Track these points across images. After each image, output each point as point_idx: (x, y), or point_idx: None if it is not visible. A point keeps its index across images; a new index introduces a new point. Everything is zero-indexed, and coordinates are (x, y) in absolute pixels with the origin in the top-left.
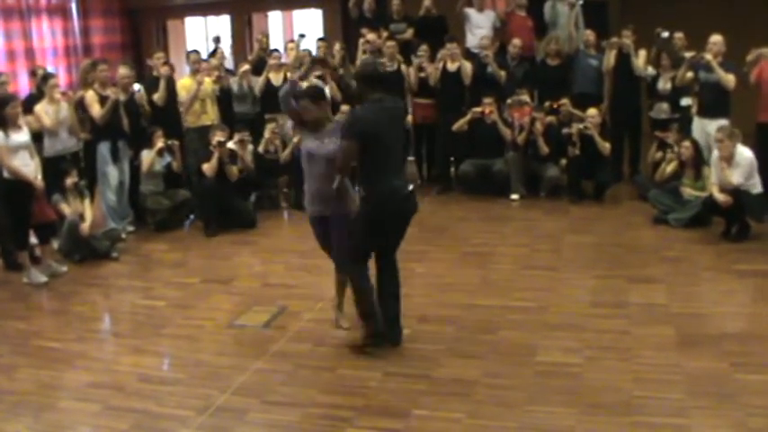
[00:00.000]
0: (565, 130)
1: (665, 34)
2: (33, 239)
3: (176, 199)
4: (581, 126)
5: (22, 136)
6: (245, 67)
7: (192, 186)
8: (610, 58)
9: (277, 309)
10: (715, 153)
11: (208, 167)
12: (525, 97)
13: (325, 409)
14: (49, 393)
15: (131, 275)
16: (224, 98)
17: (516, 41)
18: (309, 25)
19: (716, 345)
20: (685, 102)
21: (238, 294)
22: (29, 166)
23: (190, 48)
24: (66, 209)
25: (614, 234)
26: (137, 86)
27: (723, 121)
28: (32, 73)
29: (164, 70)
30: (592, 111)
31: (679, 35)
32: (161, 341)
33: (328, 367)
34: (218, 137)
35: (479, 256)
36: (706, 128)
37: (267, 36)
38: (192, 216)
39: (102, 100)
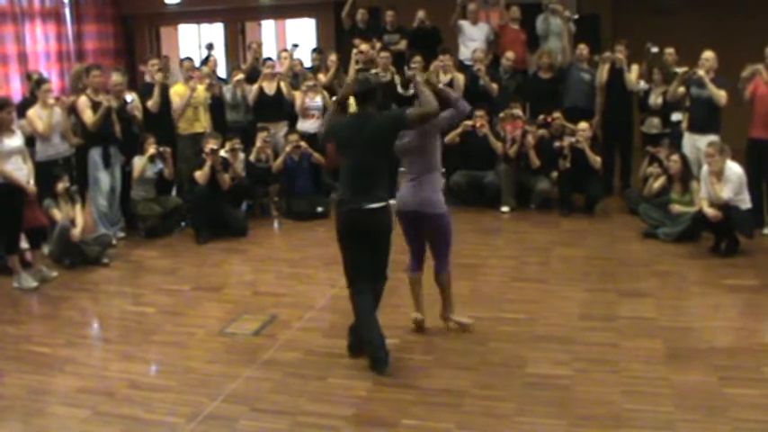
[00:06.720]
0: (556, 144)
1: (655, 49)
2: (24, 244)
3: (167, 206)
4: (572, 139)
5: (15, 140)
6: (240, 75)
7: (184, 193)
8: (603, 73)
9: (267, 317)
10: (705, 168)
11: (200, 175)
12: (517, 111)
13: (315, 418)
14: (38, 398)
15: (122, 281)
16: (216, 106)
17: (509, 54)
18: (303, 34)
19: (704, 358)
20: (676, 117)
21: (229, 302)
22: (21, 171)
23: (183, 55)
24: (58, 214)
25: (604, 247)
26: (129, 97)
27: (714, 137)
28: (27, 77)
29: (158, 77)
30: (583, 124)
31: (669, 50)
32: (151, 348)
33: (318, 376)
34: (210, 144)
35: (469, 267)
36: (697, 143)
37: (260, 45)
38: (183, 223)
39: (95, 105)
